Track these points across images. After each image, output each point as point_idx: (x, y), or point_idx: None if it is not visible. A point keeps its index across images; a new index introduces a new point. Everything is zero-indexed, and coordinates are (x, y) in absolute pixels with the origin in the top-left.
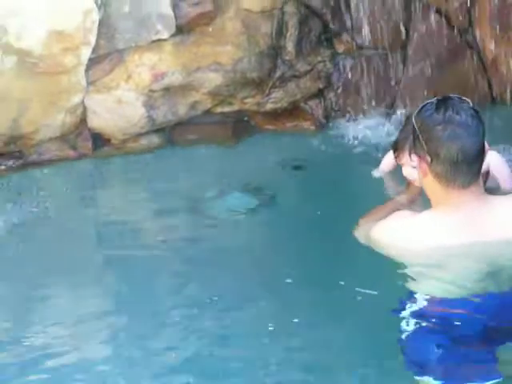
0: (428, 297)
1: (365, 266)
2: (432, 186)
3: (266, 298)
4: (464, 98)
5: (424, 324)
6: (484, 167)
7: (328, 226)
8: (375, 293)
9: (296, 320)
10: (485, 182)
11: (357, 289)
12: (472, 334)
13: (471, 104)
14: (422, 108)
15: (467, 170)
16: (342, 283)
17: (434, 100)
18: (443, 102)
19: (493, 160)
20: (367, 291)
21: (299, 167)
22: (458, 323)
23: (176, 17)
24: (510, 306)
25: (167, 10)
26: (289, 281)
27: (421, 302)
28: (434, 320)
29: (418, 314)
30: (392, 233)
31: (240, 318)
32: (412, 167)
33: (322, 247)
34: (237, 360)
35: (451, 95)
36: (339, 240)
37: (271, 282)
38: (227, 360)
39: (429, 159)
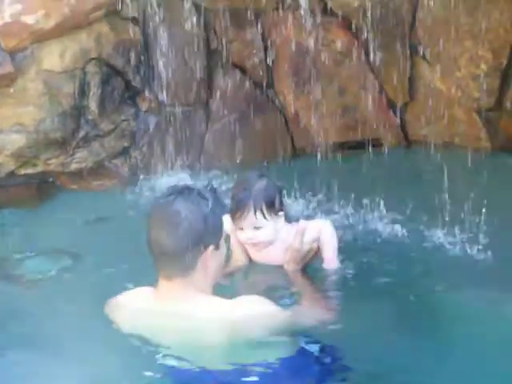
0: None
1: None
2: None
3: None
4: (212, 187)
5: None
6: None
7: (134, 279)
8: None
9: None
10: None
11: None
12: None
13: (210, 198)
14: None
15: (166, 262)
16: None
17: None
18: (181, 189)
19: (323, 233)
20: None
21: (103, 224)
22: None
23: None
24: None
25: None
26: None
27: None
28: None
29: None
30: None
31: None
32: (255, 228)
33: None
34: None
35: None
36: None
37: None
38: None
39: None
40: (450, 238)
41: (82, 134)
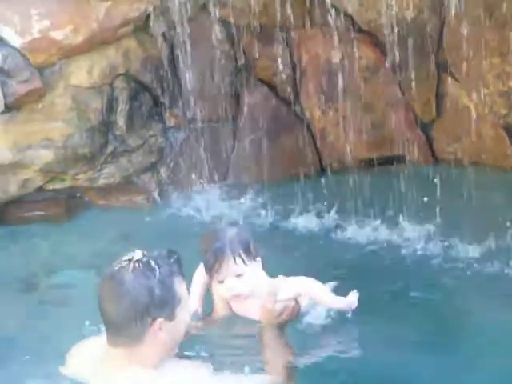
0: None
1: None
2: None
3: None
4: (172, 253)
5: None
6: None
7: None
8: None
9: None
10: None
11: None
12: None
13: (162, 268)
14: None
15: (112, 331)
16: None
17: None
18: (130, 258)
19: (312, 290)
20: None
21: (129, 241)
22: None
23: (4, 95)
24: None
25: None
26: None
27: None
28: None
29: None
30: None
31: None
32: (236, 276)
33: None
34: None
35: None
36: None
37: None
38: None
39: None
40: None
41: (110, 149)
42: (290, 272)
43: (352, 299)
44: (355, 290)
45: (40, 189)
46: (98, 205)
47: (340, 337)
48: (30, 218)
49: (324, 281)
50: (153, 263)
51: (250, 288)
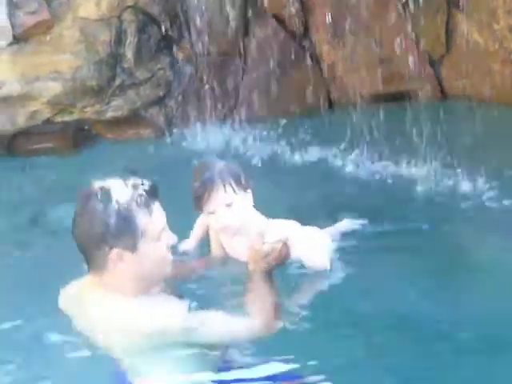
0: None
1: None
2: None
3: None
4: (145, 184)
5: None
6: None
7: None
8: None
9: None
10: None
11: None
12: None
13: (123, 198)
14: None
15: (82, 255)
16: None
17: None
18: (92, 187)
19: (296, 236)
20: None
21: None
22: None
23: (12, 26)
24: None
25: (3, 18)
26: None
27: None
28: None
29: None
30: None
31: None
32: (226, 205)
33: None
34: None
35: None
36: None
37: None
38: None
39: None
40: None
41: (117, 82)
42: (291, 203)
43: (325, 262)
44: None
45: (48, 121)
46: (106, 138)
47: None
48: (38, 150)
49: (328, 215)
50: (113, 192)
51: (239, 220)
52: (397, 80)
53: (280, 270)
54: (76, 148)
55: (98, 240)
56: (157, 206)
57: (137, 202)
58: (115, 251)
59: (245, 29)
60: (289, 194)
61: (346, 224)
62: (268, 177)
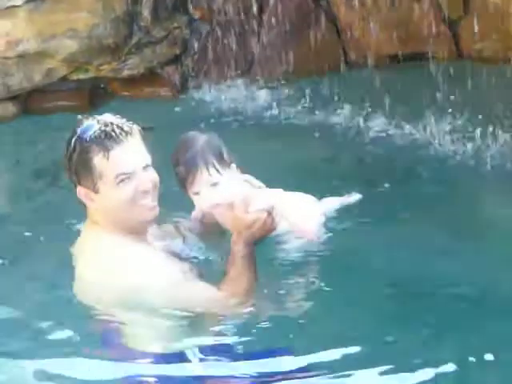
0: None
1: None
2: None
3: None
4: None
5: None
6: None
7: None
8: None
9: None
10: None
11: None
12: None
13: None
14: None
15: None
16: None
17: None
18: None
19: (283, 205)
20: None
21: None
22: None
23: None
24: None
25: None
26: None
27: None
28: None
29: None
30: None
31: None
32: (211, 186)
33: None
34: None
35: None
36: None
37: None
38: None
39: None
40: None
41: (134, 40)
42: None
43: (314, 233)
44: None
45: (64, 79)
46: (122, 96)
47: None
48: (54, 108)
49: (337, 176)
50: (76, 132)
51: (227, 197)
52: (414, 41)
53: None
54: (92, 106)
55: (67, 173)
56: (121, 150)
57: (96, 144)
58: (80, 189)
59: None
60: (315, 155)
61: (341, 200)
62: (289, 138)
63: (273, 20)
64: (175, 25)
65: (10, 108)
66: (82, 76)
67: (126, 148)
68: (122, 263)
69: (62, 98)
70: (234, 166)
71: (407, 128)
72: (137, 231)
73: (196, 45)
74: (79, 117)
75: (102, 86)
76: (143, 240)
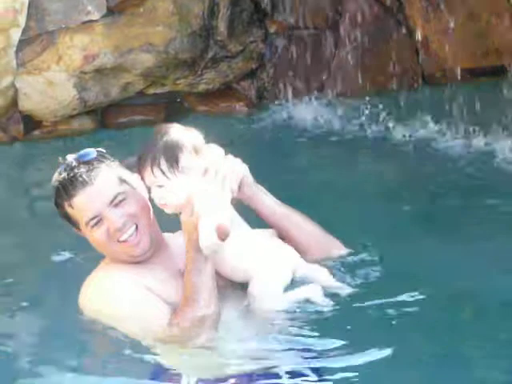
0: None
1: None
2: None
3: None
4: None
5: None
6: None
7: None
8: None
9: None
10: None
11: None
12: None
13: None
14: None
15: None
16: None
17: None
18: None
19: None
20: None
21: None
22: None
23: None
24: None
25: None
26: None
27: None
28: None
29: None
30: None
31: None
32: (158, 186)
33: None
34: None
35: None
36: None
37: None
38: None
39: None
40: None
41: (210, 54)
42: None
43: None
44: None
45: (140, 93)
46: (198, 110)
47: None
48: (130, 122)
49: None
50: (66, 160)
51: (175, 199)
52: (492, 55)
53: None
54: (168, 120)
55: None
56: (84, 194)
57: (64, 191)
58: (67, 203)
59: (338, 2)
60: (391, 173)
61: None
62: (367, 155)
63: (349, 34)
64: (251, 39)
65: (87, 122)
66: (158, 90)
67: (89, 190)
68: (97, 292)
69: (138, 113)
70: (191, 172)
71: (479, 144)
72: (137, 260)
73: (272, 59)
74: (60, 159)
75: (178, 100)
76: (152, 263)
